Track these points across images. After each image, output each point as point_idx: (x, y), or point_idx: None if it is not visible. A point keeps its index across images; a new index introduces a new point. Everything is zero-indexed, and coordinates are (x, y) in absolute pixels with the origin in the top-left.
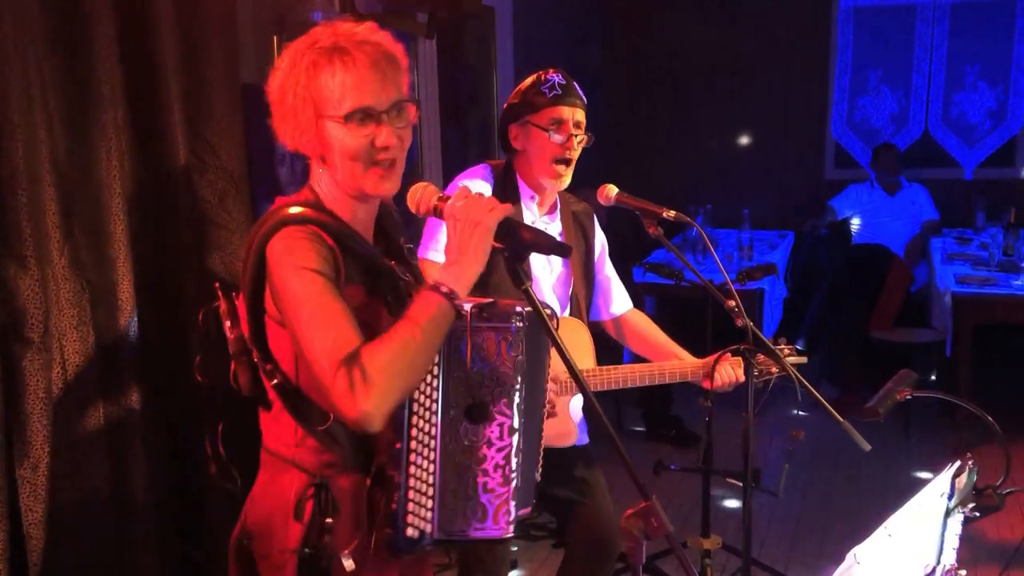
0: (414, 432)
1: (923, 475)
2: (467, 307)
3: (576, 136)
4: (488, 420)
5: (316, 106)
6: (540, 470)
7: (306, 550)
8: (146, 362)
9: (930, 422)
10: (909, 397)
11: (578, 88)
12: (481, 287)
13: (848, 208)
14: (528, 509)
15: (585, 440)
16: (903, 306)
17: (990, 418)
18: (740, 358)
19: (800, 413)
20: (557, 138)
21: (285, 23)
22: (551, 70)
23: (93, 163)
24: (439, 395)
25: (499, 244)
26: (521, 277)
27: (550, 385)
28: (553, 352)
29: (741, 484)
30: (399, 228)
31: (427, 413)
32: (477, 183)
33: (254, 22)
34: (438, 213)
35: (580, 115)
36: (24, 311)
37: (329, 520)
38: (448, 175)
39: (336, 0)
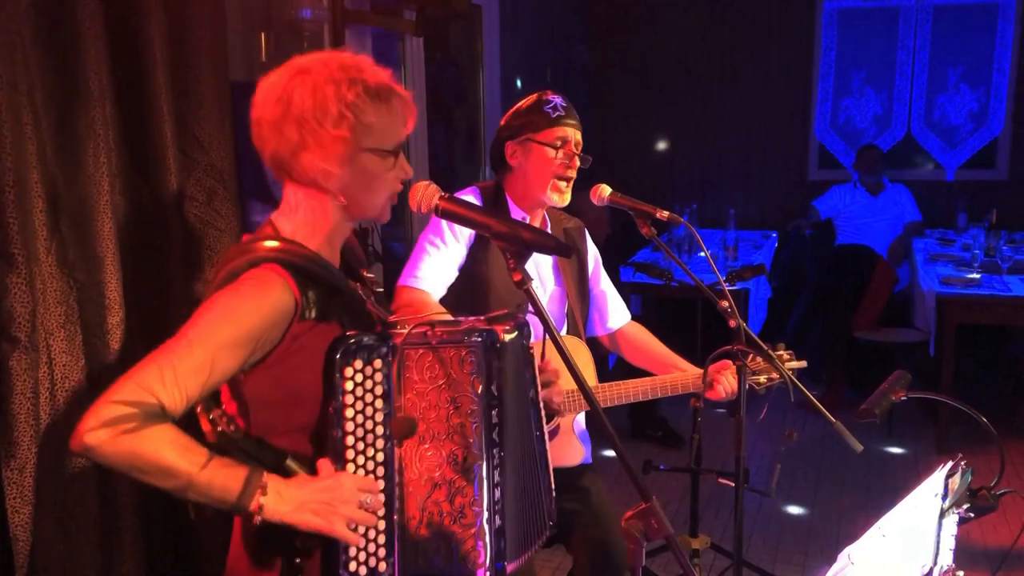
0: (350, 455)
1: (907, 474)
2: (409, 327)
3: (578, 156)
4: (411, 435)
5: (361, 138)
6: (549, 515)
7: None
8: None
9: (913, 420)
10: (904, 398)
11: (575, 111)
12: (483, 292)
13: (831, 209)
14: (519, 561)
15: (589, 459)
16: (886, 306)
17: (985, 420)
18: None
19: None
20: (561, 156)
21: (272, 20)
22: (549, 92)
23: (80, 160)
24: (383, 417)
25: (501, 244)
26: (524, 277)
27: (555, 402)
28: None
29: (731, 484)
30: (361, 262)
31: (370, 436)
32: (467, 197)
33: (242, 19)
34: (439, 212)
35: (579, 136)
36: (11, 310)
37: (299, 560)
38: (434, 172)
39: None
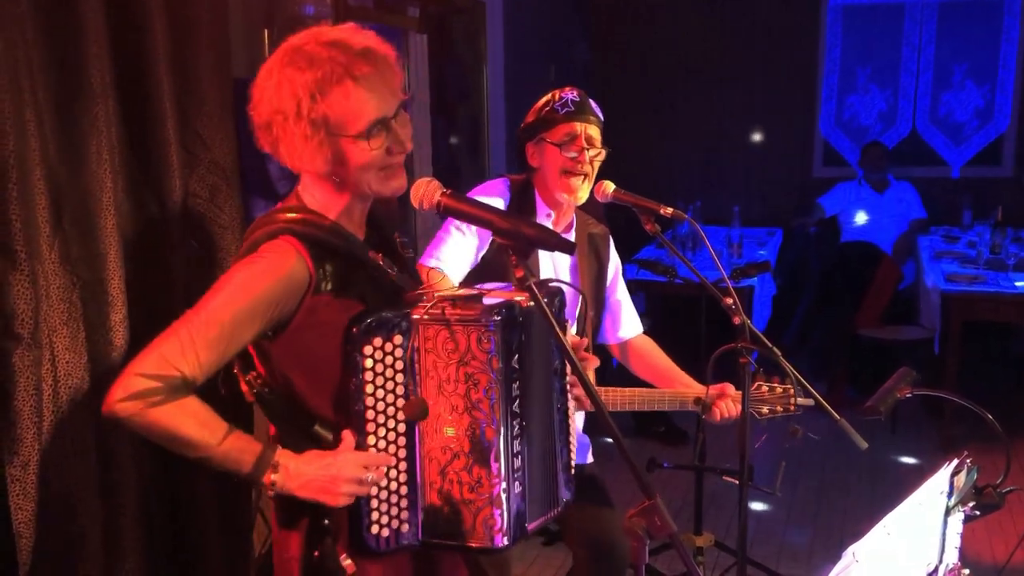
0: (371, 428)
1: (911, 472)
2: (428, 303)
3: (589, 151)
4: (423, 418)
5: (329, 128)
6: (566, 484)
7: (314, 554)
8: None
9: (917, 418)
10: (909, 395)
11: (593, 105)
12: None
13: (836, 206)
14: (538, 522)
15: (586, 459)
16: (890, 304)
17: (991, 417)
18: (739, 392)
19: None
20: (569, 152)
21: (275, 17)
22: (567, 88)
23: (83, 156)
24: (404, 390)
25: (504, 240)
26: (525, 274)
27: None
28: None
29: (735, 482)
30: (394, 220)
31: (391, 409)
32: (494, 200)
33: (244, 16)
34: (440, 208)
35: (593, 130)
36: (14, 307)
37: (326, 521)
38: (438, 168)
39: None
